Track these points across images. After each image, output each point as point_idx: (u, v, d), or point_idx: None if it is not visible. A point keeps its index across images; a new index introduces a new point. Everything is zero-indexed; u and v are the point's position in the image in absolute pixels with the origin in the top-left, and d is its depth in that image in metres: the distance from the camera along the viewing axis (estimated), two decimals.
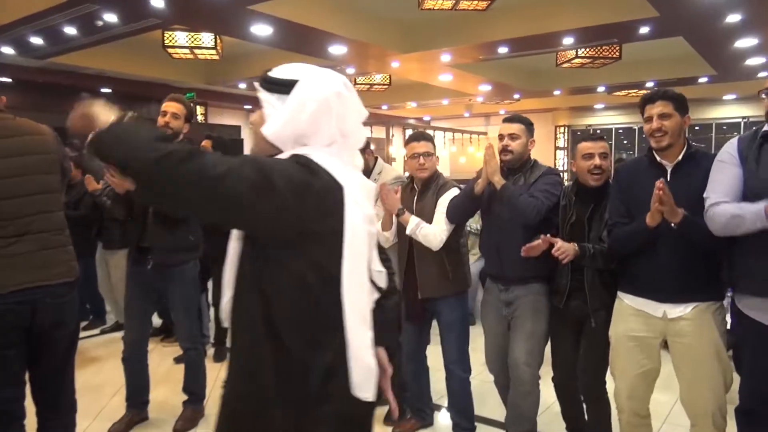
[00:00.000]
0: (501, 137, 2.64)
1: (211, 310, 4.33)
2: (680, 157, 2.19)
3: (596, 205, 2.46)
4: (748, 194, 1.96)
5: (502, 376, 2.77)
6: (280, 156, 1.28)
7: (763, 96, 2.15)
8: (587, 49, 8.60)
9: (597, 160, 2.45)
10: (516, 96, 13.28)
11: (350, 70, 10.26)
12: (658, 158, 2.23)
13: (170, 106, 3.00)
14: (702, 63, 9.45)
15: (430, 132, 16.15)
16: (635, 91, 11.85)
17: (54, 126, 2.29)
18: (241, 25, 7.04)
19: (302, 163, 1.23)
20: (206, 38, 7.87)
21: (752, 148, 2.00)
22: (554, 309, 2.60)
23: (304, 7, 6.84)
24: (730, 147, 2.07)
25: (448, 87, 12.08)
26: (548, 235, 2.33)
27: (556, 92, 12.89)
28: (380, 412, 3.20)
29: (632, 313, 2.29)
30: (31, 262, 1.99)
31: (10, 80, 9.32)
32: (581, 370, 2.55)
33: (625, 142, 15.98)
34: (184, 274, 3.05)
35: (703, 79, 10.68)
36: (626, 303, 2.32)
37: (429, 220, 2.75)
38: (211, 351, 4.27)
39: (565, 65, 9.08)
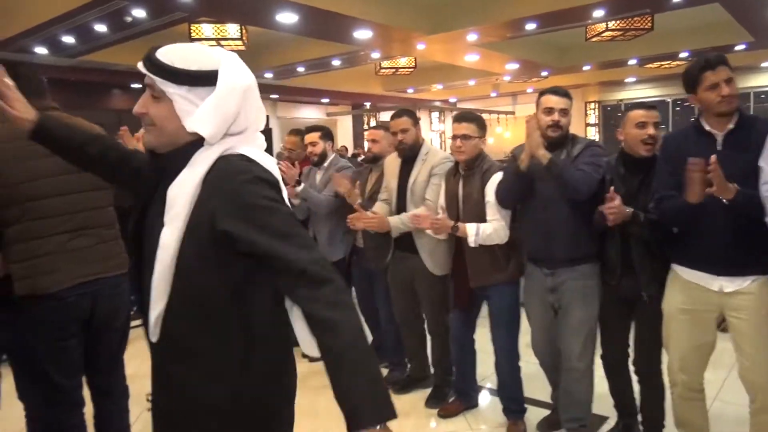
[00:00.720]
0: (550, 111, 2.48)
1: None
2: (732, 125, 2.08)
3: (645, 177, 2.35)
4: None
5: (549, 361, 2.71)
6: (209, 152, 1.21)
7: None
8: (618, 21, 8.37)
9: (651, 130, 2.34)
10: (544, 73, 13.02)
11: (375, 55, 10.20)
12: (707, 127, 2.13)
13: None
14: (738, 29, 9.09)
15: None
16: (668, 62, 11.50)
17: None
18: (267, 14, 7.05)
19: (257, 174, 1.18)
20: (232, 29, 7.91)
21: None
22: (605, 286, 2.51)
23: None
24: None
25: (474, 67, 11.91)
26: (612, 189, 2.23)
27: (586, 67, 12.59)
28: (422, 395, 3.21)
29: (686, 286, 2.21)
30: (91, 255, 2.07)
31: (44, 79, 9.53)
32: (635, 349, 2.48)
33: None
34: None
35: (740, 47, 10.28)
36: (680, 275, 2.24)
37: (475, 208, 2.67)
38: None
39: (594, 39, 8.87)
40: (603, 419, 2.89)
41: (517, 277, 2.75)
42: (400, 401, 3.23)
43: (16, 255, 1.94)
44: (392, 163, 3.17)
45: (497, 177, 2.63)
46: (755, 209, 1.97)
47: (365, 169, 3.56)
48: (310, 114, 16.63)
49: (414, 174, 3.02)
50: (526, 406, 2.90)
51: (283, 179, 1.32)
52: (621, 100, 15.64)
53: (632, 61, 11.65)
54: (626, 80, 14.95)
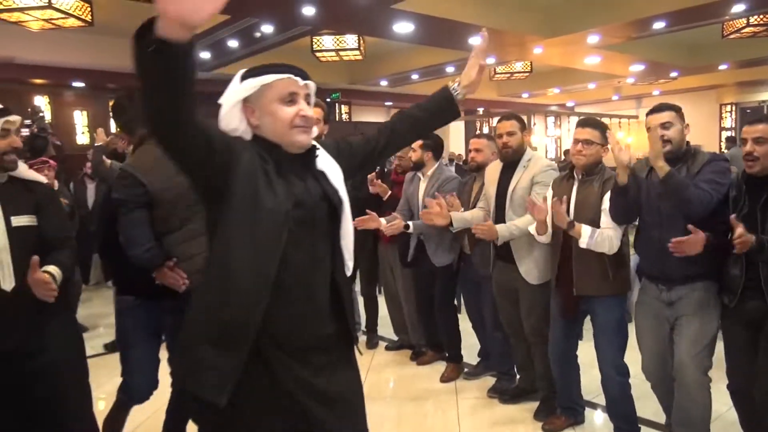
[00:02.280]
0: (651, 129, 2.40)
1: (360, 299, 4.54)
2: None
3: None
4: None
5: (662, 385, 2.57)
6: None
7: None
8: (761, 16, 7.65)
9: (748, 146, 2.20)
10: (673, 74, 12.17)
11: (490, 60, 10.12)
12: None
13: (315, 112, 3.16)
14: None
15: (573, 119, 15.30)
16: None
17: None
18: (384, 25, 7.28)
19: None
20: (350, 40, 8.26)
21: None
22: (727, 309, 2.35)
23: (444, 0, 6.88)
24: None
25: (594, 70, 11.44)
26: (733, 216, 2.10)
27: (722, 66, 11.62)
28: (531, 406, 3.15)
29: None
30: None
31: None
32: (759, 375, 2.28)
33: None
34: None
35: None
36: None
37: (590, 214, 2.59)
38: (362, 338, 4.49)
39: (733, 36, 8.17)
40: None
41: (623, 290, 2.68)
42: (508, 411, 3.20)
43: (182, 255, 2.21)
44: (493, 169, 3.17)
45: None
46: None
47: (470, 179, 3.57)
48: None
49: (515, 181, 2.99)
50: (639, 426, 2.75)
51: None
52: (763, 102, 14.19)
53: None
54: None
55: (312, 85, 1.46)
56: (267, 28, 7.42)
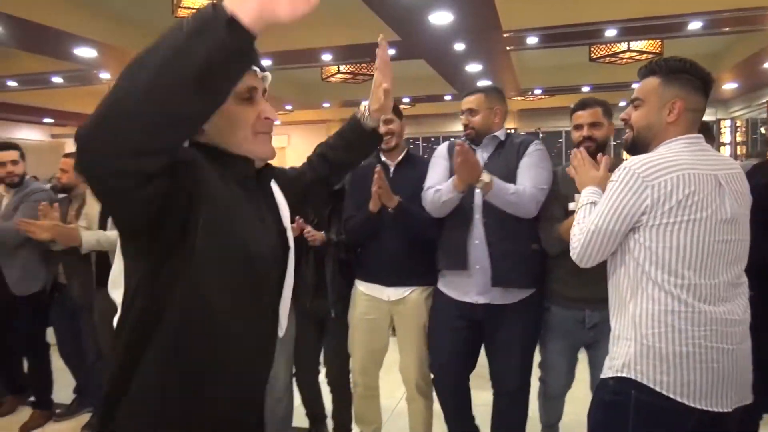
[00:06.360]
0: None
1: None
2: (400, 157, 2.58)
3: (334, 206, 2.71)
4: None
5: None
6: None
7: (461, 116, 2.55)
8: (349, 65, 9.22)
9: None
10: (288, 107, 13.59)
11: (105, 75, 9.48)
12: (383, 158, 2.60)
13: None
14: (445, 82, 10.79)
15: None
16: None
17: None
18: None
19: None
20: None
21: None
22: (298, 309, 2.68)
23: (36, 3, 6.15)
24: (443, 147, 2.53)
25: None
26: (300, 220, 2.50)
27: (325, 105, 13.52)
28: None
29: (365, 298, 2.58)
30: None
31: None
32: (327, 363, 2.77)
33: None
34: None
35: (447, 97, 12.21)
36: (360, 289, 2.60)
37: None
38: None
39: (330, 79, 9.60)
40: (301, 430, 3.11)
41: None
42: None
43: None
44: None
45: None
46: (416, 222, 2.42)
47: (65, 199, 3.33)
48: (28, 135, 14.61)
49: None
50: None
51: None
52: None
53: (364, 102, 12.88)
54: None
55: (269, 77, 1.11)
56: None
